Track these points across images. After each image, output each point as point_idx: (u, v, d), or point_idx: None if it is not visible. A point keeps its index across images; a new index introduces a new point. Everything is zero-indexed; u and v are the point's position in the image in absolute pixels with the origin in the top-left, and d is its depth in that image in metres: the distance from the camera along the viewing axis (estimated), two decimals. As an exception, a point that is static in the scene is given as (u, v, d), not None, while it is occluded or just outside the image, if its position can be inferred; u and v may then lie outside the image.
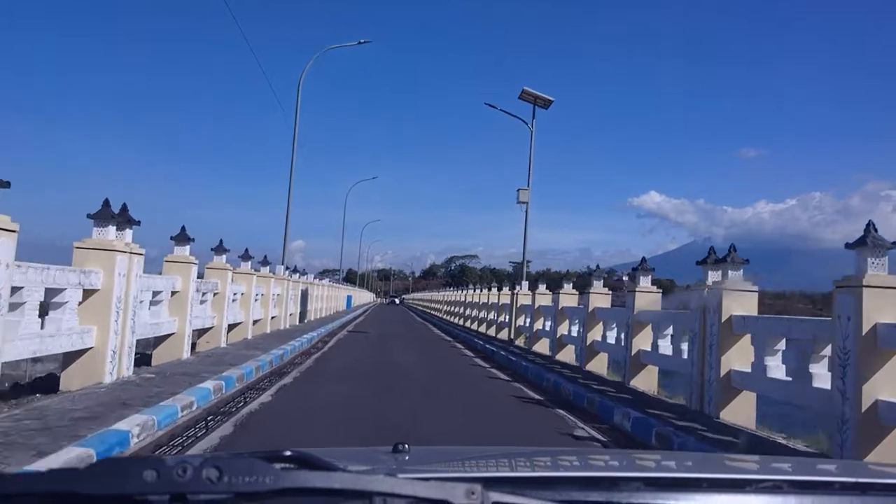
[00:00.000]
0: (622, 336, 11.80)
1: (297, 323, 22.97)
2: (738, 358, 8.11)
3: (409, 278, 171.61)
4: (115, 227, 8.40)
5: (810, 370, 6.88)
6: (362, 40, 27.24)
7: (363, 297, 79.36)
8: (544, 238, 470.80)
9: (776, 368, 7.55)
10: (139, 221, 8.66)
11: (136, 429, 5.76)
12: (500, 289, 25.61)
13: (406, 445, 1.26)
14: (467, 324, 30.50)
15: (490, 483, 0.89)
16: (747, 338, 8.11)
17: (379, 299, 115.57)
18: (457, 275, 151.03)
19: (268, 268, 18.40)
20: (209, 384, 8.24)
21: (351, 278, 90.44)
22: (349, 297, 51.71)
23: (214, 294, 13.47)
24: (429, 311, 56.24)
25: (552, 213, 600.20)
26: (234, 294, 15.07)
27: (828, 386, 6.41)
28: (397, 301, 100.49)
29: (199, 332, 12.93)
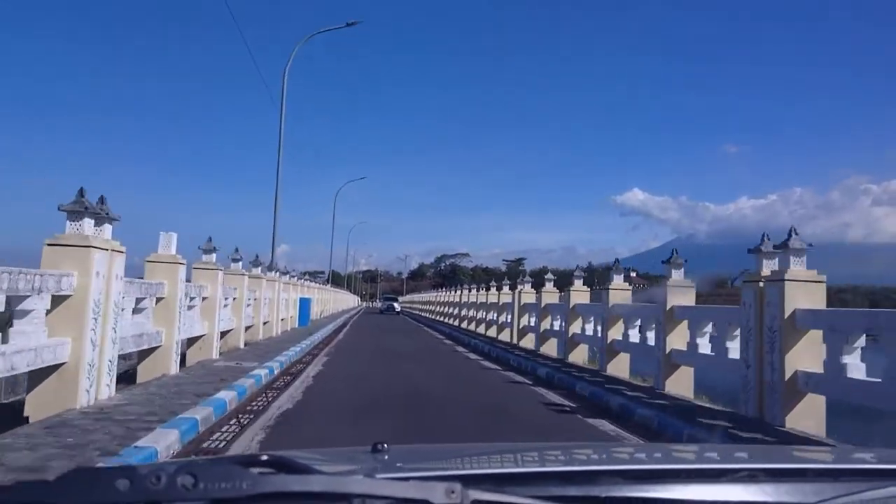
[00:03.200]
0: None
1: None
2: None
3: (403, 279, 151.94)
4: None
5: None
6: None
7: (344, 301, 60.03)
8: (526, 238, 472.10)
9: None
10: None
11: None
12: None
13: (385, 445, 1.25)
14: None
15: (469, 481, 0.89)
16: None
17: (364, 303, 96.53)
18: (448, 275, 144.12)
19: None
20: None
21: (336, 280, 75.96)
22: (305, 304, 26.35)
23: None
24: (466, 328, 29.42)
25: (533, 211, 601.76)
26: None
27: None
28: (397, 307, 57.63)
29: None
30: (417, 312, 56.48)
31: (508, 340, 21.43)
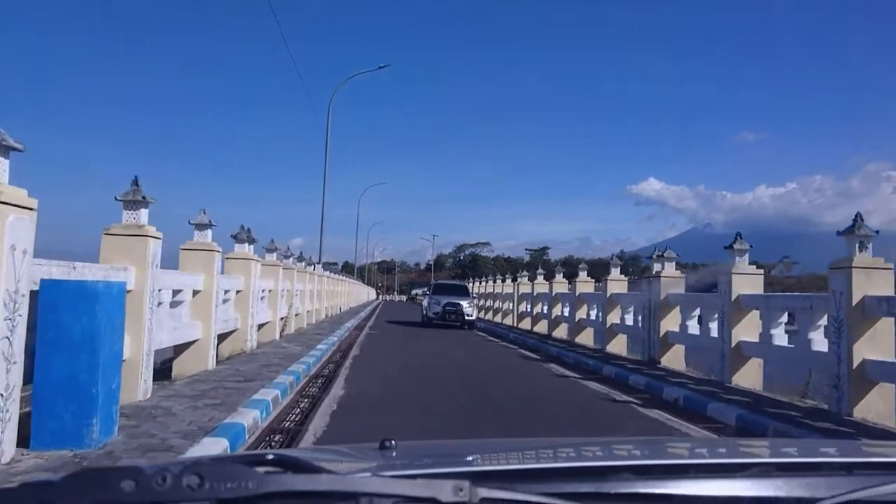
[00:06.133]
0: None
1: None
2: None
3: (429, 266, 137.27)
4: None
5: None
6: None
7: (355, 295, 45.02)
8: (540, 229, 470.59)
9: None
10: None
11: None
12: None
13: (393, 441, 1.25)
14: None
15: (478, 477, 0.88)
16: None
17: (381, 297, 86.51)
18: (468, 265, 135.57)
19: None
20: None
21: (349, 270, 67.55)
22: (50, 310, 5.10)
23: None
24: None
25: (547, 203, 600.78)
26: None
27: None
28: (468, 310, 24.10)
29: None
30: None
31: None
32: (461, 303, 24.09)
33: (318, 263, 26.15)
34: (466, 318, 23.86)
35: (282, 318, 15.89)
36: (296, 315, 18.06)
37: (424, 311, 25.93)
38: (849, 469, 1.12)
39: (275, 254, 16.23)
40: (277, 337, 14.85)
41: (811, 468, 1.17)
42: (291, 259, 18.47)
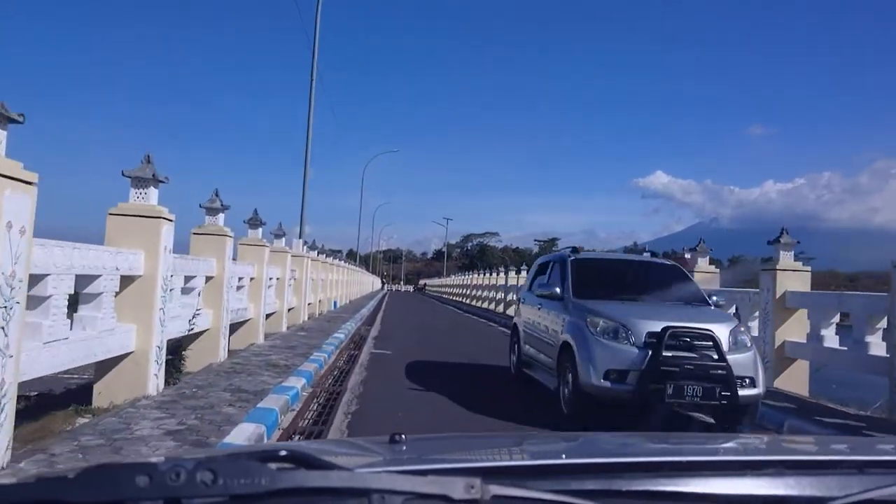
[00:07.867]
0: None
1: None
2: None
3: (442, 253, 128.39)
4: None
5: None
6: None
7: (355, 284, 37.70)
8: (545, 220, 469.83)
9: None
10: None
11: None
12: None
13: (403, 436, 1.25)
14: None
15: (489, 474, 0.89)
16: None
17: (387, 286, 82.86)
18: (475, 255, 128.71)
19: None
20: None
21: (353, 258, 60.88)
22: None
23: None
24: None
25: (553, 195, 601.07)
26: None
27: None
28: (743, 355, 6.13)
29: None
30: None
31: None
32: (713, 330, 6.23)
33: (298, 239, 17.40)
34: (745, 391, 6.14)
35: (184, 338, 8.20)
36: (243, 322, 11.05)
37: (564, 370, 6.86)
38: (861, 468, 1.11)
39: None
40: (154, 391, 6.53)
41: (823, 466, 1.17)
42: (220, 216, 9.34)
